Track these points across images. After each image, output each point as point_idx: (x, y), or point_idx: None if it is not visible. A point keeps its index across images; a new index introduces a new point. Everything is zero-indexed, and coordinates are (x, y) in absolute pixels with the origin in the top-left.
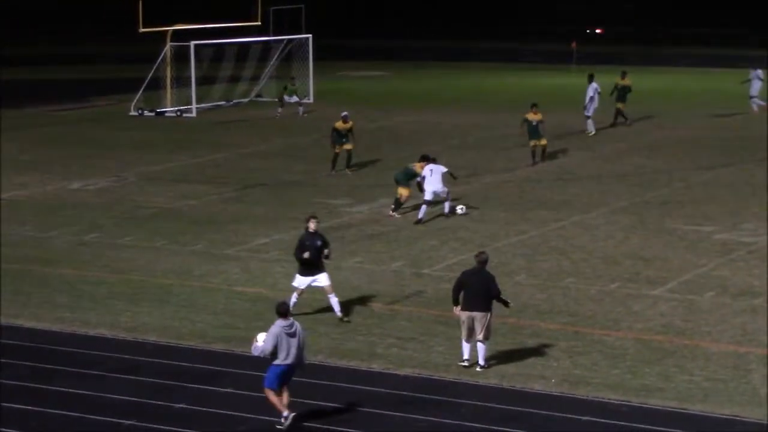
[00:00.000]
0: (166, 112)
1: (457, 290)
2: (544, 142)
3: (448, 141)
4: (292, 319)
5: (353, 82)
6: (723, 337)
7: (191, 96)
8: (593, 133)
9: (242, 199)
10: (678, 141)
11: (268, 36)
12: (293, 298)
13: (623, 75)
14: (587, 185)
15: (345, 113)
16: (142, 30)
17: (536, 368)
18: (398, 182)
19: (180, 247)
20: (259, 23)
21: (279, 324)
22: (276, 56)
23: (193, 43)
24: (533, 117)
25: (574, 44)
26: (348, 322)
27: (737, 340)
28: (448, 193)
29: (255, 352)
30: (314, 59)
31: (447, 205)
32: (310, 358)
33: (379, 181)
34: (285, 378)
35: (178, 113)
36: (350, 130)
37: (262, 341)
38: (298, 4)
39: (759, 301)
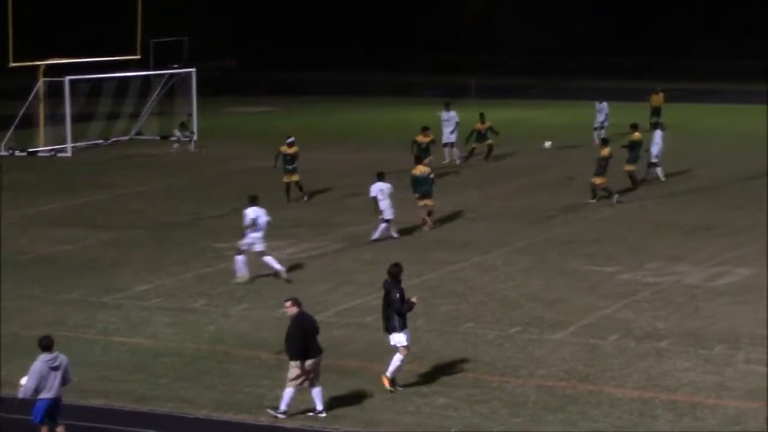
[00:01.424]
0: (39, 151)
1: (301, 342)
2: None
3: (343, 180)
4: (56, 352)
5: (239, 118)
6: (627, 382)
7: (66, 134)
8: (458, 161)
9: (122, 243)
10: (576, 177)
11: (149, 70)
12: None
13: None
14: (486, 224)
15: (291, 138)
16: (12, 64)
17: (434, 418)
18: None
19: (55, 296)
20: (139, 57)
21: (42, 359)
22: (157, 91)
23: (68, 78)
24: (423, 139)
25: (472, 81)
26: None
27: (642, 385)
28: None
29: (21, 395)
30: (198, 94)
31: (380, 229)
32: (195, 413)
33: None
34: (52, 411)
35: (53, 153)
36: (295, 155)
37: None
38: (180, 36)
39: (664, 344)
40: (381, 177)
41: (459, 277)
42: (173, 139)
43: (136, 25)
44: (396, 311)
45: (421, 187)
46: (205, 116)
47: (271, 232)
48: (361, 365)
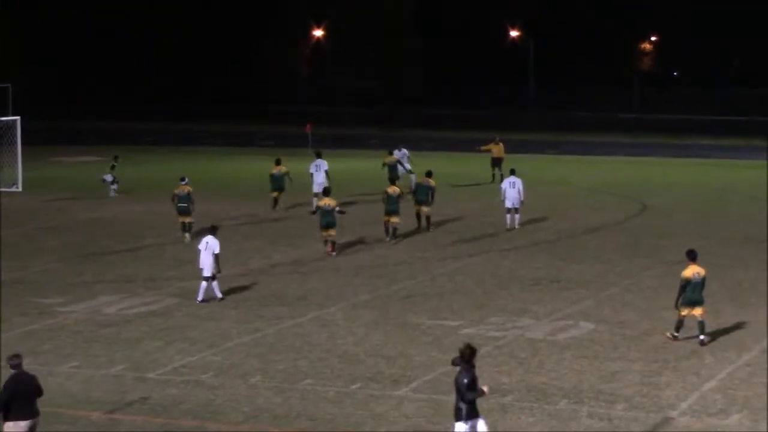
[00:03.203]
0: None
1: (11, 403)
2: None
3: (170, 233)
4: None
5: (67, 168)
6: None
7: None
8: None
9: None
10: (416, 230)
11: None
12: None
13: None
14: (325, 278)
15: (185, 179)
16: None
17: None
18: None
19: None
20: None
21: None
22: None
23: None
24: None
25: (309, 128)
26: None
27: None
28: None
29: None
30: (23, 143)
31: (201, 288)
32: None
33: (97, 277)
34: None
35: None
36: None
37: None
38: (3, 84)
39: (508, 399)
40: (212, 231)
41: (297, 332)
42: (108, 181)
43: None
44: (462, 399)
45: (325, 218)
46: (32, 166)
47: (98, 288)
48: (197, 424)
